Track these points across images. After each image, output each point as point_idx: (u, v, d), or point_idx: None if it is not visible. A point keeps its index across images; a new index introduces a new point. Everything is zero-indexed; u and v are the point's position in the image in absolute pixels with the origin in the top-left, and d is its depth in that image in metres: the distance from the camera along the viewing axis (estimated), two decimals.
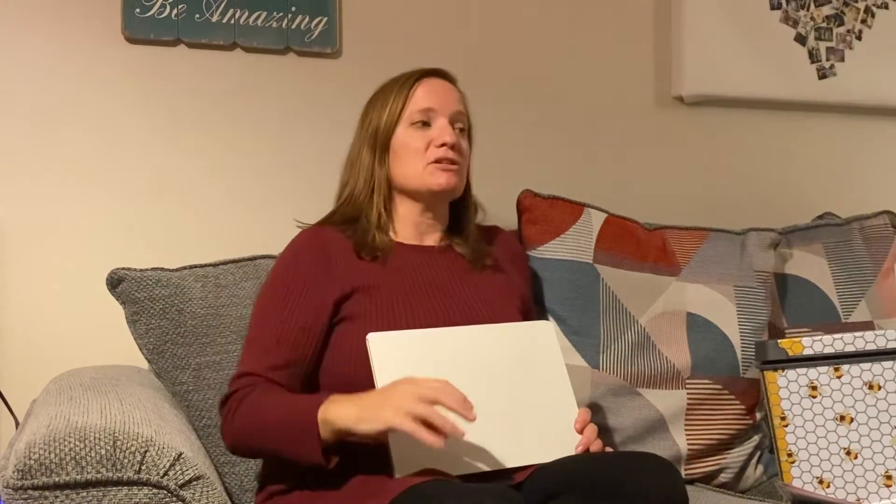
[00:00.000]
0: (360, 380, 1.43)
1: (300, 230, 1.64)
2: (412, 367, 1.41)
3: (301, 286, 1.54)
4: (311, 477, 1.44)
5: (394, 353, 1.43)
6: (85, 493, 1.16)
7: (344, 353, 1.51)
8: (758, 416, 1.90)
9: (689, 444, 1.83)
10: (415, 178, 1.60)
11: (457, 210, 1.70)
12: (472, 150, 1.70)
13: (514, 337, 1.52)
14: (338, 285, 1.54)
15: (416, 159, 1.60)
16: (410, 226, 1.65)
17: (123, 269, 1.68)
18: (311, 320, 1.52)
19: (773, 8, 2.38)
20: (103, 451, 1.18)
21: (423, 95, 1.62)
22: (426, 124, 1.61)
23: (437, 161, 1.59)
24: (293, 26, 2.05)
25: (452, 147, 1.59)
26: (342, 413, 1.34)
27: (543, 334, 1.55)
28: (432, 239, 1.67)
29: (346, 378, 1.48)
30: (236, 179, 2.05)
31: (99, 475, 1.17)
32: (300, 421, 1.37)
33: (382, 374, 1.41)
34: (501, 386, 1.47)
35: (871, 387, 1.65)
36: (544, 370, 1.52)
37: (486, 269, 1.67)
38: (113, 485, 1.18)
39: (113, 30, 1.97)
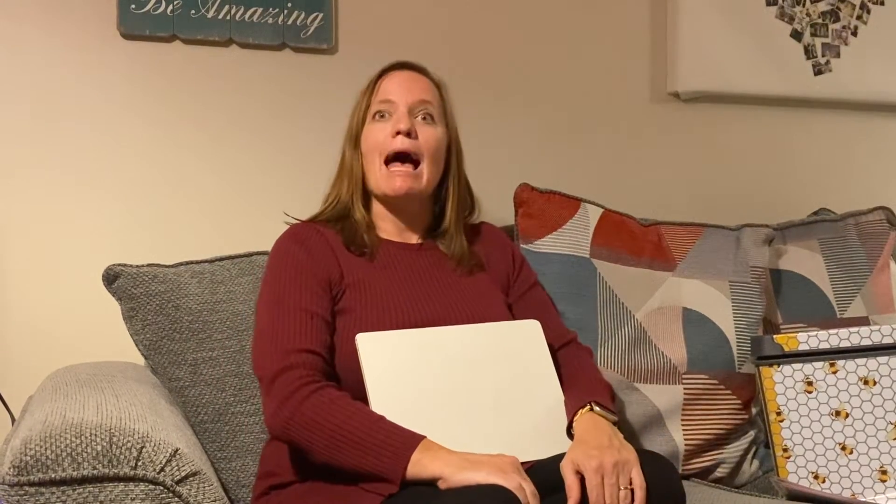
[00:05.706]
0: (347, 374, 1.45)
1: (288, 226, 1.65)
2: (401, 367, 1.42)
3: (305, 260, 1.54)
4: (308, 474, 1.44)
5: (382, 352, 1.43)
6: (81, 489, 1.16)
7: (333, 347, 1.51)
8: (753, 411, 1.90)
9: (685, 440, 1.83)
10: (374, 182, 1.63)
11: (442, 205, 1.70)
12: (452, 137, 1.69)
13: (502, 336, 1.53)
14: (334, 269, 1.56)
15: (375, 156, 1.61)
16: (390, 223, 1.67)
17: (119, 265, 1.68)
18: (321, 292, 1.52)
19: (768, 4, 2.37)
20: (99, 448, 1.18)
21: (384, 88, 1.64)
22: (386, 115, 1.63)
23: (390, 161, 1.60)
24: (289, 22, 2.05)
25: (408, 134, 1.59)
26: (442, 459, 1.30)
27: (531, 333, 1.56)
28: (414, 237, 1.68)
29: (333, 370, 1.48)
30: (232, 175, 2.04)
31: (95, 471, 1.17)
32: (394, 443, 1.32)
33: (371, 373, 1.42)
34: (491, 385, 1.47)
35: (866, 382, 1.66)
36: (533, 368, 1.52)
37: (471, 267, 1.67)
38: (109, 481, 1.18)
39: (108, 26, 1.96)
